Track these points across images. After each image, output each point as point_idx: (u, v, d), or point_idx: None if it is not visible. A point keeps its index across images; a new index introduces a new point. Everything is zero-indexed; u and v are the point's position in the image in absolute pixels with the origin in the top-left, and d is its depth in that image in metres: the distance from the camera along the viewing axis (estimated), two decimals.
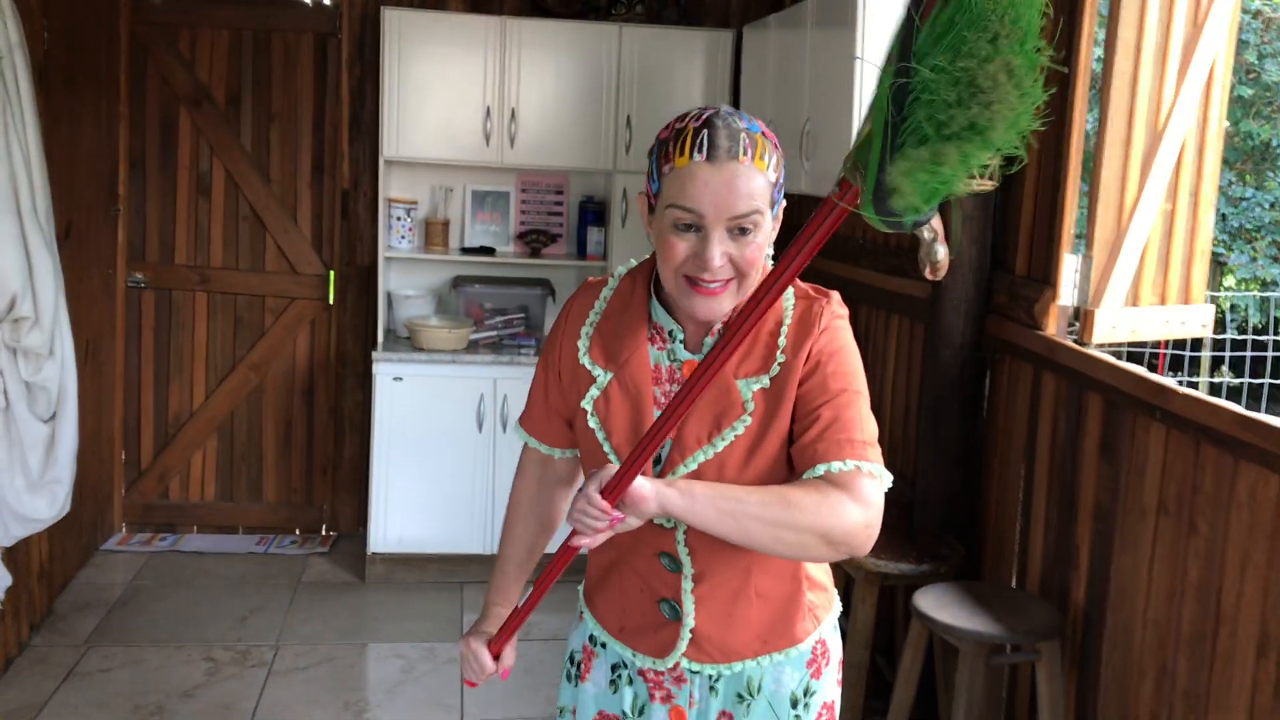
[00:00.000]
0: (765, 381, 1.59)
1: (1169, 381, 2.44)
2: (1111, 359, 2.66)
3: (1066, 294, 2.90)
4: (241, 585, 4.57)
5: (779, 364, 1.59)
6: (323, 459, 5.12)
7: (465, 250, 4.92)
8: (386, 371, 4.52)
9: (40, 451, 3.54)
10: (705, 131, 1.51)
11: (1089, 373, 2.70)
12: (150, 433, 5.02)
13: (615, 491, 1.47)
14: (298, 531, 5.13)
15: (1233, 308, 7.53)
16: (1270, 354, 7.20)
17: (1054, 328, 2.91)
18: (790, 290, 1.64)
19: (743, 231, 1.52)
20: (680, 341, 1.65)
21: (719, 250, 1.51)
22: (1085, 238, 2.93)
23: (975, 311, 3.17)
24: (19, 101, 3.36)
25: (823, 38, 3.63)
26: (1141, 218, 2.92)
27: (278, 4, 4.85)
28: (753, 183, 1.51)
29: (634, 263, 1.75)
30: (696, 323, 1.63)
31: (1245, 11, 6.96)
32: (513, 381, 4.57)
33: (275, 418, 5.09)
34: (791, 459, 1.60)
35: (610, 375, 1.65)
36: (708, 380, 1.50)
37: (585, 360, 1.68)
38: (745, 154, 1.51)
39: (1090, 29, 2.88)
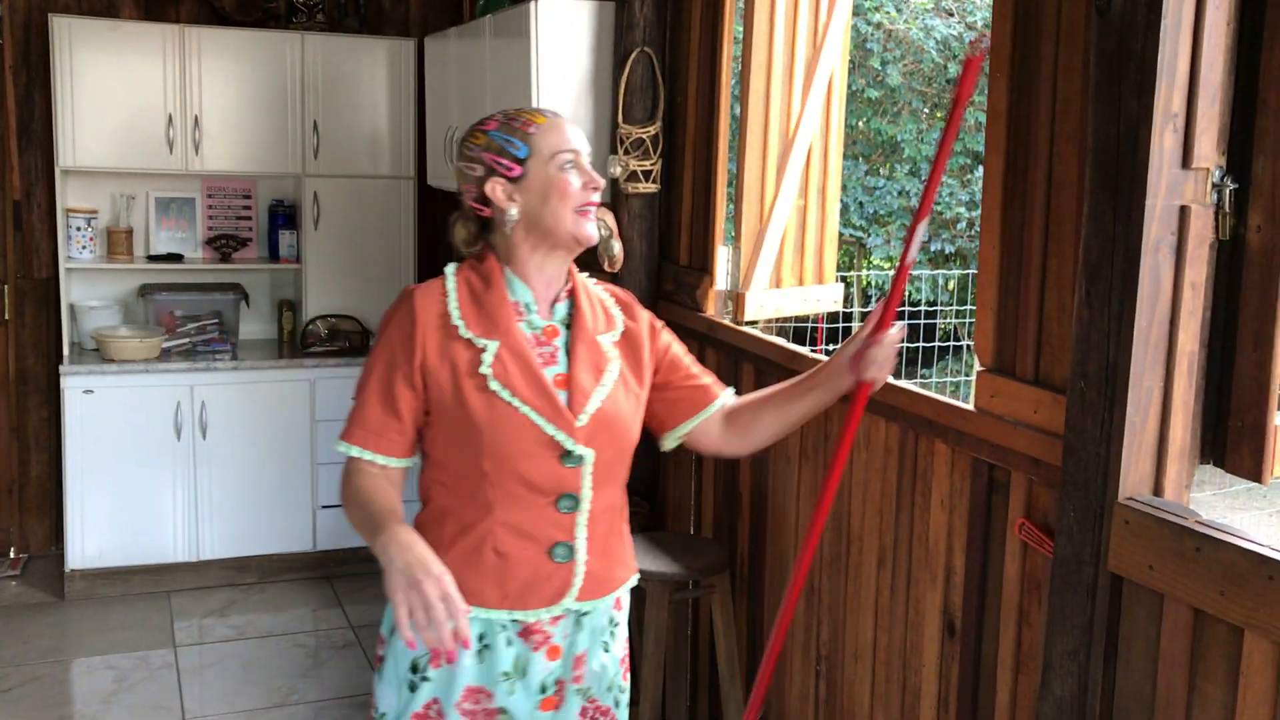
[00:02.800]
0: (616, 335, 1.98)
1: (800, 349, 2.92)
2: (758, 333, 3.13)
3: (721, 280, 3.36)
4: None
5: (622, 324, 1.99)
6: (7, 480, 4.93)
7: (152, 258, 4.88)
8: (76, 384, 4.44)
9: None
10: (530, 108, 1.95)
11: (742, 345, 3.16)
12: None
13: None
14: None
15: (874, 284, 8.53)
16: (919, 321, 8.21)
17: (712, 309, 3.37)
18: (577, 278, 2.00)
19: None
20: (536, 312, 1.92)
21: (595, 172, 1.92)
22: (734, 231, 3.40)
23: (648, 297, 3.58)
24: None
25: (501, 47, 3.92)
26: (779, 213, 3.42)
27: None
28: None
29: (454, 266, 1.96)
30: (543, 296, 1.93)
31: (869, 24, 7.88)
32: (210, 387, 4.60)
33: None
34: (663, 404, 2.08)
35: (497, 343, 1.85)
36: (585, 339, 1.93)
37: (468, 334, 1.85)
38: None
39: (729, 49, 3.34)
